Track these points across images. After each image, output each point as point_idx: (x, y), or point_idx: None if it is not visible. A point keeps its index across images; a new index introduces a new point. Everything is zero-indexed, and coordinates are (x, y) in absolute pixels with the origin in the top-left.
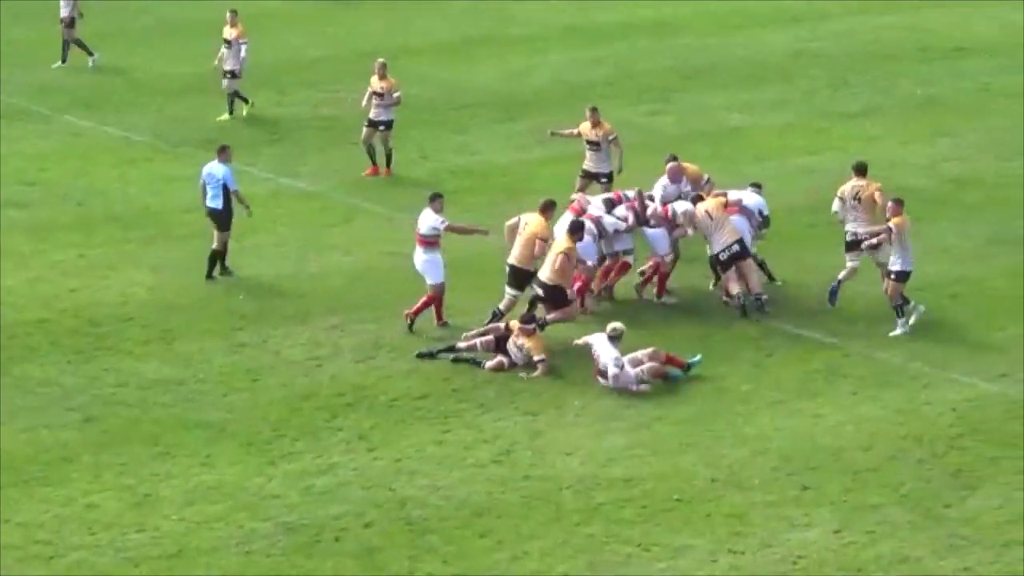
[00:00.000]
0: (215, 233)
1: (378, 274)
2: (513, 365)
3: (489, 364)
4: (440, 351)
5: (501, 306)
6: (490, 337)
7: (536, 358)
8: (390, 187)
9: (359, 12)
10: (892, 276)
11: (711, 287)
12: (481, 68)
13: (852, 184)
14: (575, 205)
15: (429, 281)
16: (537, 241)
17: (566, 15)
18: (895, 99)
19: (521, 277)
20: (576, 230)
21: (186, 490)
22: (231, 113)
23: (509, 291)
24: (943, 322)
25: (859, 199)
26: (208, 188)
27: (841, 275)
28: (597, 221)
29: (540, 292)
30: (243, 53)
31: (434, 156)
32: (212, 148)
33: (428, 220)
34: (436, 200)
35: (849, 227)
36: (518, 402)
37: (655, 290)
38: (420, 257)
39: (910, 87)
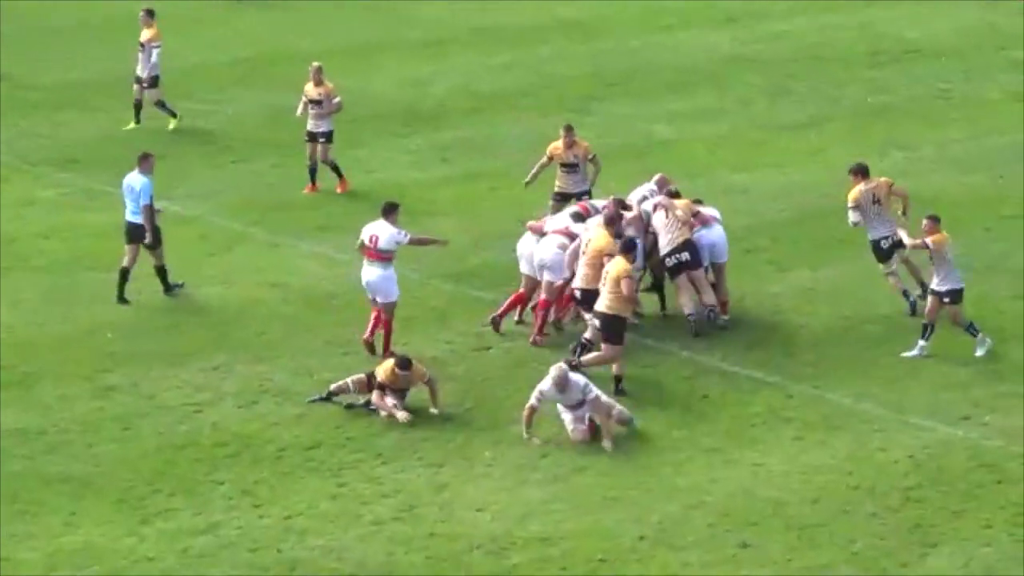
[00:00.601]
0: (128, 250)
1: (264, 308)
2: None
3: (400, 416)
4: (331, 393)
5: (587, 335)
6: (362, 376)
7: (424, 381)
8: (275, 211)
9: (242, 13)
10: (946, 299)
11: (661, 312)
12: (378, 75)
13: (862, 189)
14: (534, 226)
15: (382, 300)
16: (604, 258)
17: (473, 16)
18: (842, 108)
19: (592, 299)
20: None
21: (48, 553)
22: (175, 115)
23: (587, 316)
24: (899, 358)
25: (878, 201)
26: (128, 202)
27: (898, 285)
28: (566, 232)
29: (597, 323)
30: (153, 58)
31: (324, 174)
32: (73, 168)
33: (386, 233)
34: (392, 212)
35: (873, 234)
36: (421, 451)
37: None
38: (373, 273)
39: (859, 94)
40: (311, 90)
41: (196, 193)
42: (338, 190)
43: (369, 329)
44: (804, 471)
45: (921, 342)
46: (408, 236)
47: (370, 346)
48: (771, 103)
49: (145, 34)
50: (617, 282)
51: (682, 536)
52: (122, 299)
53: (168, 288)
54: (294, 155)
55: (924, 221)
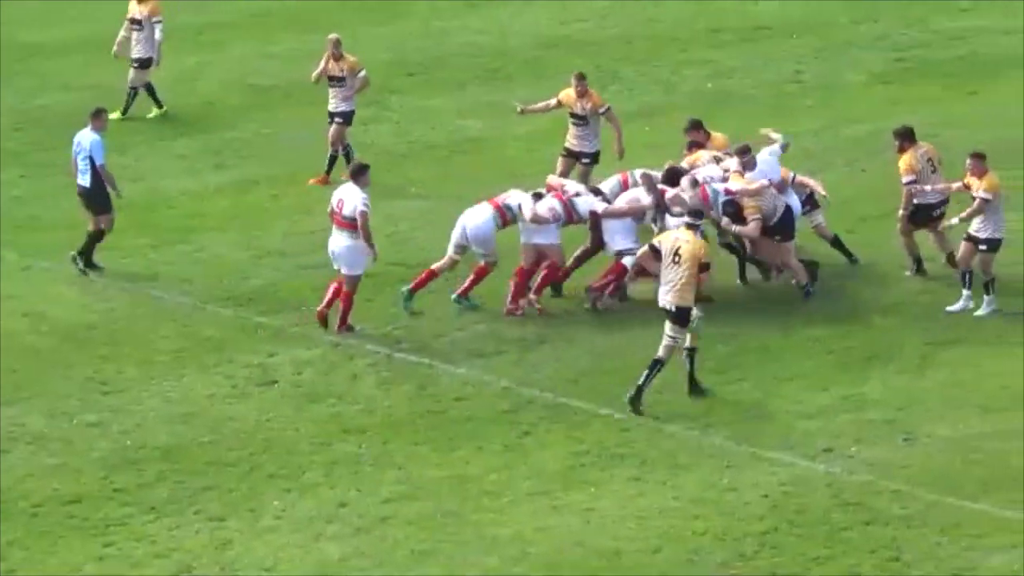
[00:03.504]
0: (91, 217)
1: (13, 342)
2: None
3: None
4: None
5: None
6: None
7: None
8: (25, 230)
9: None
10: (984, 247)
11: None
12: None
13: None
14: (552, 186)
15: (345, 271)
16: None
17: (246, 2)
18: (681, 95)
19: None
20: None
21: None
22: (125, 112)
23: None
24: (749, 384)
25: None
26: (78, 161)
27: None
28: (566, 201)
29: None
30: (158, 35)
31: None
32: None
33: (352, 199)
34: (360, 174)
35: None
36: (200, 503)
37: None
38: (340, 242)
39: (699, 80)
40: (331, 66)
41: None
42: (313, 181)
43: (326, 300)
44: (643, 516)
45: (965, 292)
46: (365, 209)
47: (324, 319)
48: (598, 91)
49: (142, 9)
50: None
51: None
52: (87, 265)
53: (87, 264)
54: (44, 164)
55: (969, 161)
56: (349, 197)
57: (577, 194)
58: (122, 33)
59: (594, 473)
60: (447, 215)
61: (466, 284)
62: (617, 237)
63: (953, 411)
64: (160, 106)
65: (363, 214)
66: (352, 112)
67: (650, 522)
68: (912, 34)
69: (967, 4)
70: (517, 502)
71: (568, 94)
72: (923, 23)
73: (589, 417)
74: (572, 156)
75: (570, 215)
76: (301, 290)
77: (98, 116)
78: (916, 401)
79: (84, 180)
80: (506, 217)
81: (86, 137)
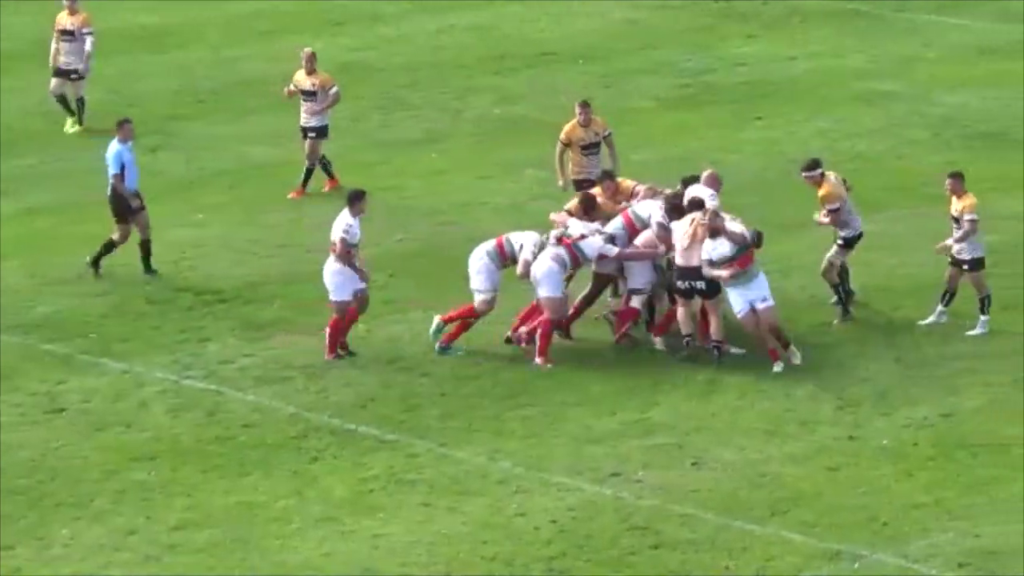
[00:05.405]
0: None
1: None
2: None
3: None
4: None
5: None
6: None
7: None
8: None
9: None
10: (967, 267)
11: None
12: None
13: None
14: (559, 219)
15: (330, 296)
16: None
17: (39, 26)
18: (467, 122)
19: None
20: None
21: None
22: (81, 122)
23: None
24: (537, 409)
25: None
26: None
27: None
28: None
29: None
30: (88, 46)
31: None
32: None
33: (339, 224)
34: (355, 200)
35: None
36: None
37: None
38: (328, 268)
39: (485, 106)
40: (302, 80)
41: None
42: (326, 188)
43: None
44: (432, 541)
45: (940, 308)
46: (344, 236)
47: (344, 346)
48: (384, 118)
49: (73, 20)
50: None
51: None
52: (148, 269)
53: (147, 268)
54: None
55: (948, 181)
56: (336, 223)
57: (582, 236)
58: (53, 45)
59: (382, 499)
60: (234, 242)
61: (452, 330)
62: (635, 273)
63: (740, 435)
64: (74, 114)
65: (342, 241)
66: (326, 126)
67: (438, 548)
68: (698, 60)
69: (752, 30)
70: (306, 528)
71: (573, 125)
72: (708, 50)
73: (377, 443)
74: (586, 187)
75: (576, 261)
76: (88, 318)
77: (121, 126)
78: (703, 426)
79: (109, 189)
80: (505, 254)
81: (110, 148)
